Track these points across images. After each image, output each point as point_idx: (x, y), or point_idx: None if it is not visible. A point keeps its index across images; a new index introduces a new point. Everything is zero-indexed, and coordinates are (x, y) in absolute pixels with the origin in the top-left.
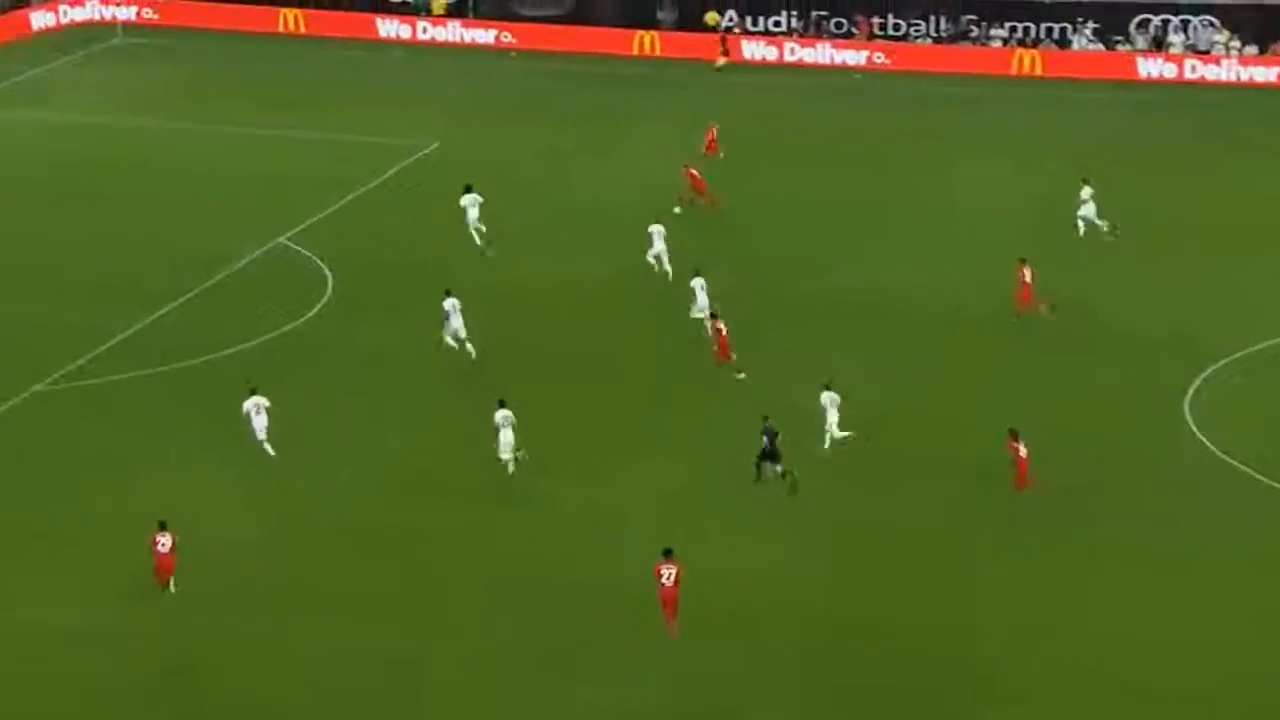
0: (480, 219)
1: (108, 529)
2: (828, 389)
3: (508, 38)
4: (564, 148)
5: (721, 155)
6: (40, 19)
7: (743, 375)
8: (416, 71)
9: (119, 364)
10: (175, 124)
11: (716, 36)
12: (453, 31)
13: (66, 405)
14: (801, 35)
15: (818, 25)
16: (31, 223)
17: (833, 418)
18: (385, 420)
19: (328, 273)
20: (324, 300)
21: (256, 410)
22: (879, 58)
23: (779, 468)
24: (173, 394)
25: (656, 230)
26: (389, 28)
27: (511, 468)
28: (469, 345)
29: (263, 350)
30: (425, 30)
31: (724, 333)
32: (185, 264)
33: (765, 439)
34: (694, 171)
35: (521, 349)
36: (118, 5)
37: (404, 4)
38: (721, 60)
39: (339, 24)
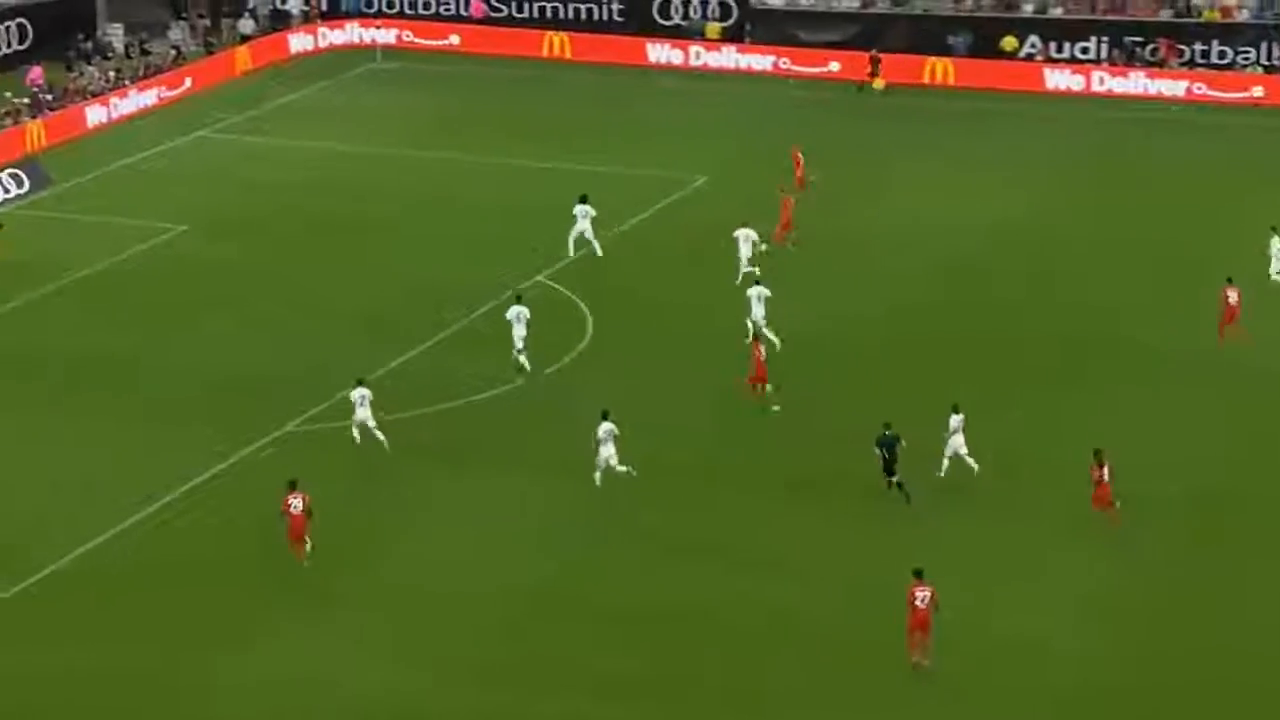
0: (593, 234)
1: (377, 582)
2: (956, 411)
3: (785, 64)
4: (838, 184)
5: (814, 180)
6: (299, 42)
7: (778, 408)
8: (687, 99)
9: (376, 403)
10: (433, 153)
11: (866, 56)
12: (727, 57)
13: (315, 447)
14: (1112, 64)
15: (1130, 53)
16: (287, 254)
17: (957, 441)
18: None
19: (586, 313)
20: (583, 343)
21: (361, 401)
22: (1199, 88)
23: (895, 478)
24: (426, 437)
25: (743, 234)
26: (659, 53)
27: (607, 476)
28: (380, 435)
29: (519, 393)
30: (698, 55)
31: (761, 357)
32: (442, 300)
33: (882, 450)
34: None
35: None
36: (377, 28)
37: (676, 28)
38: (880, 83)
39: (606, 48)
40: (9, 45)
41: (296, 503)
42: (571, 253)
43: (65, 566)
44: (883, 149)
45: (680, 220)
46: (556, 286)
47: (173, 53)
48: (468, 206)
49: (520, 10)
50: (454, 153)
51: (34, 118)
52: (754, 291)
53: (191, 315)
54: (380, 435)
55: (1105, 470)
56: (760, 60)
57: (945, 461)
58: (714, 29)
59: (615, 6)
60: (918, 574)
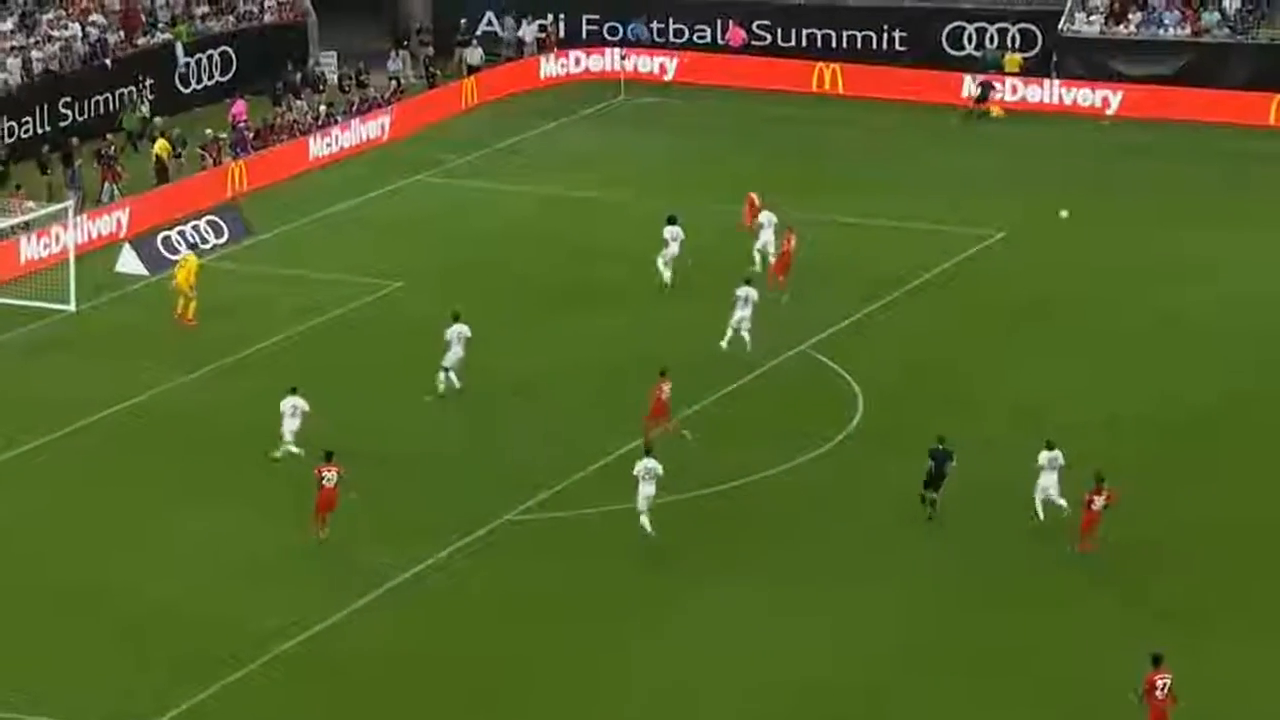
0: (681, 254)
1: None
2: (1050, 448)
3: (1107, 98)
4: (1164, 244)
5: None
6: (532, 74)
7: (688, 433)
8: (983, 140)
9: (599, 492)
10: (679, 201)
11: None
12: (1033, 92)
13: (537, 539)
14: None
15: None
16: (530, 316)
17: (1048, 481)
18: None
19: (857, 390)
20: (854, 423)
21: (293, 412)
22: None
23: (934, 495)
24: (673, 529)
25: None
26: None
27: (649, 527)
28: (294, 448)
29: (775, 484)
30: (996, 90)
31: (664, 395)
32: (685, 377)
33: (932, 463)
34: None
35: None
36: (623, 58)
37: (968, 59)
38: (995, 109)
39: (883, 83)
40: (211, 77)
41: (331, 475)
42: (666, 278)
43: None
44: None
45: (970, 279)
46: (823, 358)
47: (391, 84)
48: (705, 263)
49: (786, 39)
50: (705, 203)
51: (235, 157)
52: (743, 292)
53: (397, 379)
54: (295, 448)
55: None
56: (1076, 95)
57: (1038, 504)
58: (1014, 61)
59: (897, 34)
60: (1156, 660)
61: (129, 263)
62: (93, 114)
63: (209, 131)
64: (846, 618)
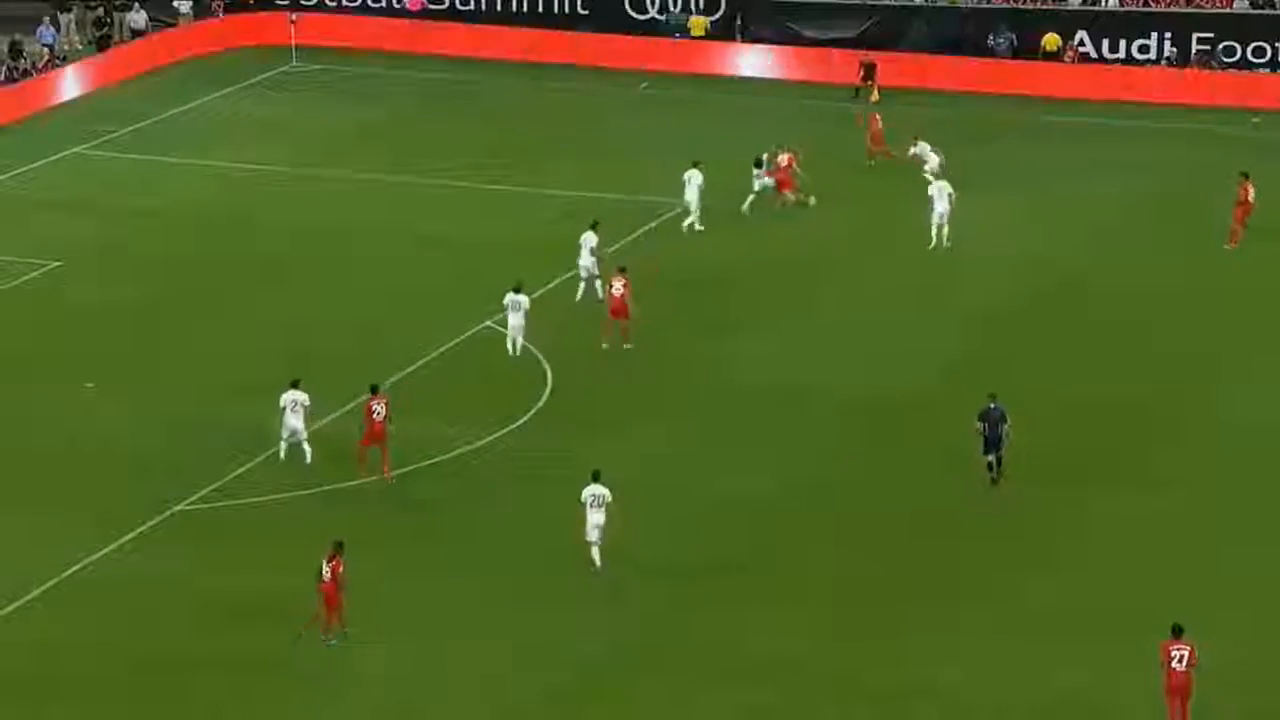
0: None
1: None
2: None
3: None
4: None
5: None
6: (197, 40)
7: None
8: (664, 108)
9: (281, 477)
10: (364, 175)
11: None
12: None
13: (209, 529)
14: None
15: None
16: (201, 296)
17: None
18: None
19: (545, 367)
20: (539, 403)
21: (294, 407)
22: None
23: (992, 458)
24: (342, 517)
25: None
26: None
27: (598, 559)
28: (307, 447)
29: (460, 464)
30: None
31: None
32: (370, 353)
33: (984, 424)
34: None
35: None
36: (293, 22)
37: (651, 22)
38: (875, 94)
39: (563, 47)
40: None
41: (380, 408)
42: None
43: None
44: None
45: (654, 249)
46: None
47: (45, 53)
48: (392, 237)
49: (465, 3)
50: (389, 174)
51: None
52: (512, 299)
53: (56, 370)
54: (307, 448)
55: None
56: (753, 60)
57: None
58: (700, 24)
59: None
60: (1176, 631)
61: None
62: None
63: None
64: (538, 615)
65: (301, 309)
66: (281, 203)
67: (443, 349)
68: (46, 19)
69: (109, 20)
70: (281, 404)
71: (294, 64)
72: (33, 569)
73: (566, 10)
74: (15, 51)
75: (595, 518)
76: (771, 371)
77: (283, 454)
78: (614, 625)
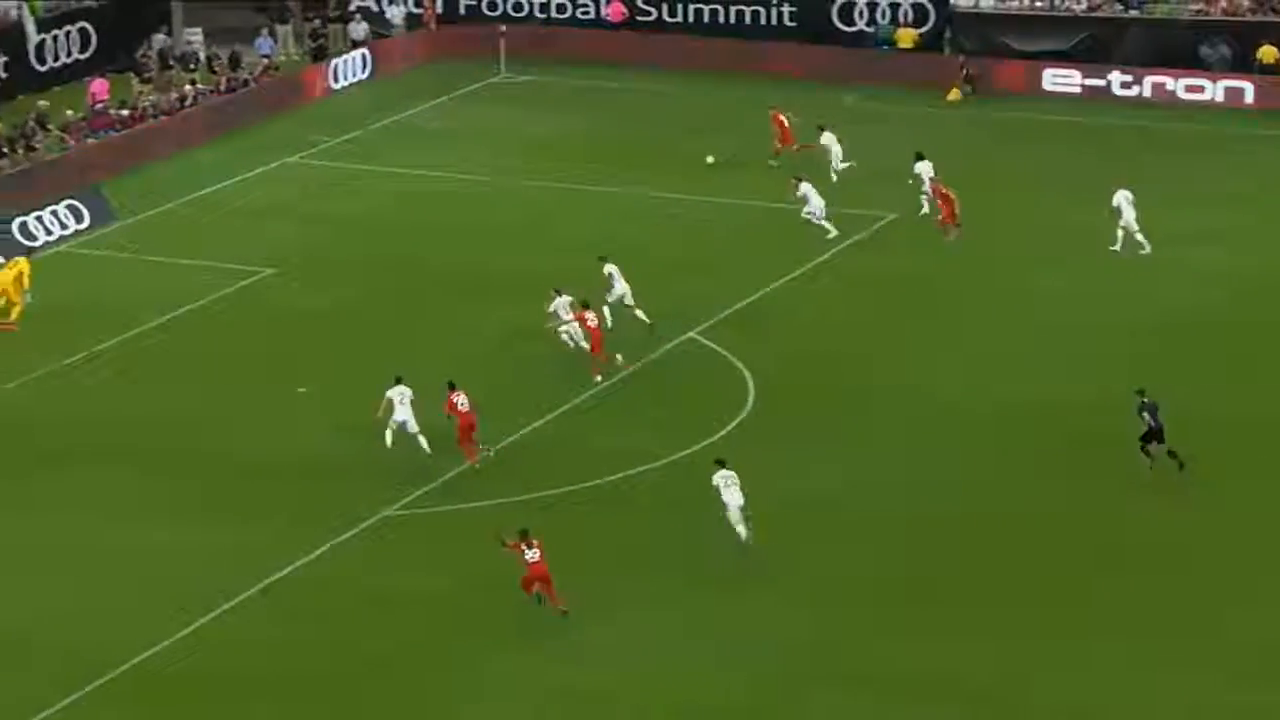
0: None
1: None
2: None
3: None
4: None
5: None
6: (407, 51)
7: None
8: (869, 121)
9: (486, 483)
10: (566, 185)
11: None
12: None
13: (416, 535)
14: None
15: None
16: (405, 303)
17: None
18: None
19: (747, 377)
20: (741, 416)
21: (401, 399)
22: None
23: (1165, 446)
24: (545, 523)
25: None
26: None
27: (744, 533)
28: (422, 439)
29: (662, 475)
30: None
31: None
32: (569, 363)
33: (1148, 416)
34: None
35: None
36: (503, 34)
37: (858, 34)
38: (956, 93)
39: (769, 59)
40: (69, 54)
41: (463, 399)
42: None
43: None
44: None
45: (856, 266)
46: (712, 345)
47: (263, 63)
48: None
49: (672, 14)
50: (590, 184)
51: (96, 139)
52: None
53: (267, 375)
54: (423, 441)
55: None
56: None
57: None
58: (908, 36)
59: (786, 10)
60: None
61: (12, 258)
62: None
63: (69, 112)
64: (738, 632)
65: (504, 316)
66: (484, 211)
67: (644, 360)
68: (264, 30)
69: (325, 32)
70: (388, 397)
71: (503, 75)
72: (239, 573)
73: (774, 22)
74: (234, 62)
75: (734, 498)
76: (973, 385)
77: (389, 442)
78: (806, 639)
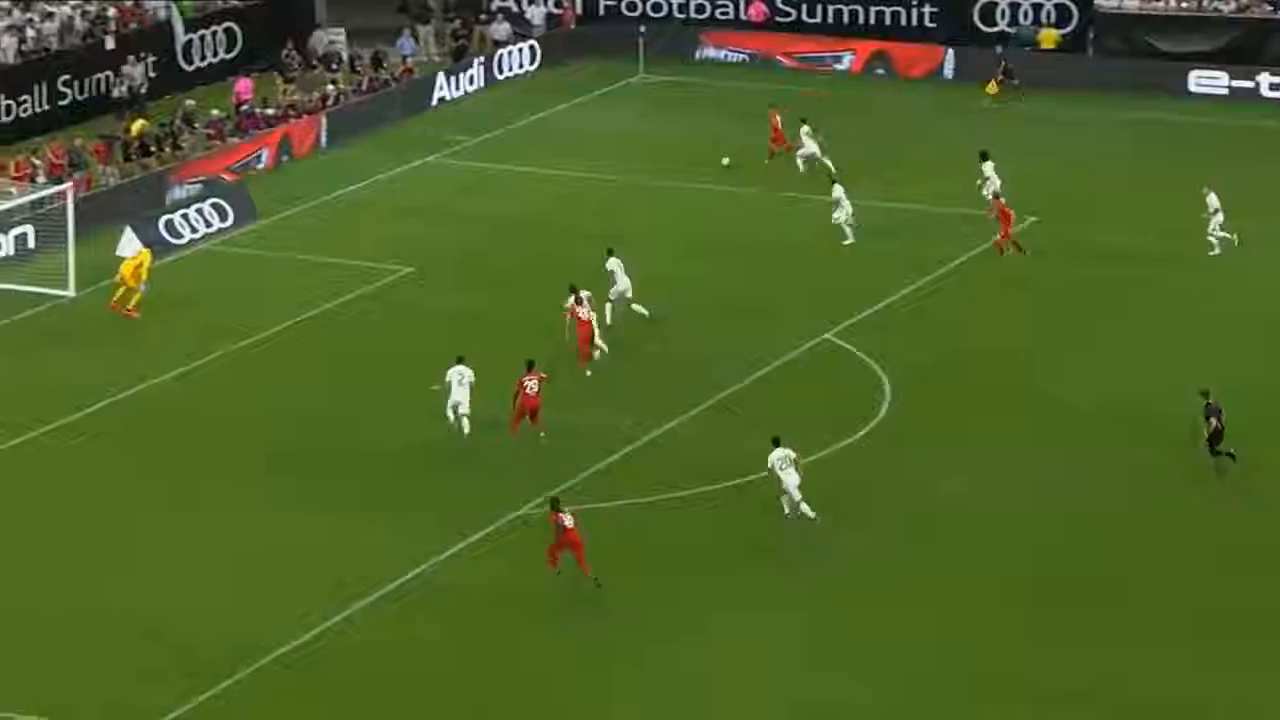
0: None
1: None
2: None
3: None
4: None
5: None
6: (547, 50)
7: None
8: (1008, 121)
9: (633, 481)
10: (706, 185)
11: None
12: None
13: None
14: None
15: None
16: (540, 303)
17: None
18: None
19: (884, 379)
20: (878, 417)
21: (460, 380)
22: None
23: (1222, 447)
24: (693, 522)
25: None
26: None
27: (811, 511)
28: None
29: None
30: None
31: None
32: (708, 364)
33: (1214, 420)
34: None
35: None
36: (641, 32)
37: (1000, 35)
38: (993, 88)
39: (909, 60)
40: (215, 54)
41: (533, 384)
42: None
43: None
44: None
45: (982, 269)
46: (848, 346)
47: (403, 62)
48: (728, 249)
49: (811, 14)
50: (731, 185)
51: (241, 138)
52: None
53: (409, 372)
54: (465, 423)
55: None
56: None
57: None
58: (1050, 37)
59: (927, 10)
60: None
61: (130, 246)
62: (92, 92)
63: (215, 111)
64: (864, 632)
65: (634, 316)
66: (616, 212)
67: (781, 361)
68: (406, 31)
69: (466, 32)
70: (448, 378)
71: (642, 75)
72: (383, 569)
73: (914, 23)
74: (376, 62)
75: (792, 479)
76: (1114, 387)
77: (452, 424)
78: (944, 645)
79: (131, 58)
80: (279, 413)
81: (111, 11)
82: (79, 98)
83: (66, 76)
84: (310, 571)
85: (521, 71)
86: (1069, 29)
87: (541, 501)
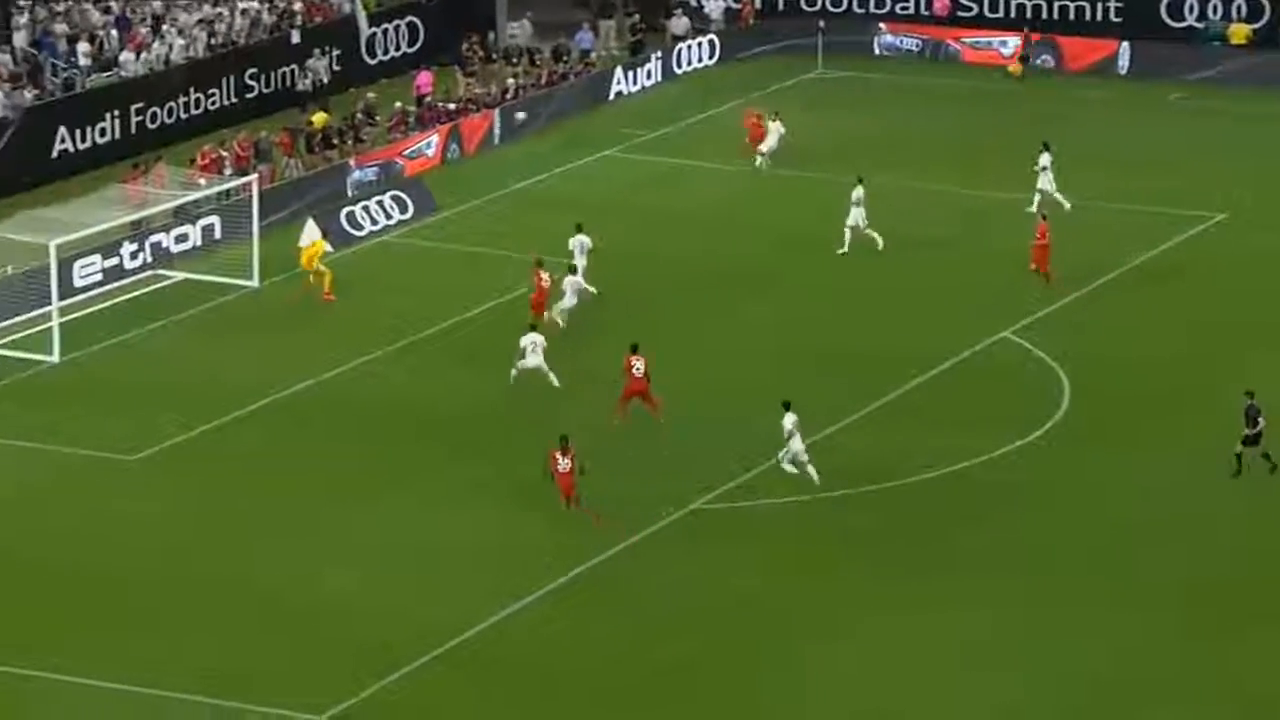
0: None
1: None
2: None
3: None
4: None
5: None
6: (727, 46)
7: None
8: (1203, 119)
9: (802, 481)
10: (880, 181)
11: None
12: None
13: (724, 529)
14: None
15: None
16: (704, 300)
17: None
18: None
19: (1063, 379)
20: (1056, 416)
21: (534, 348)
22: None
23: (1261, 449)
24: (855, 522)
25: None
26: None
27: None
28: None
29: (972, 476)
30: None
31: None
32: (879, 362)
33: (1261, 421)
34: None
35: None
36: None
37: (1188, 30)
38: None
39: (1094, 55)
40: (397, 48)
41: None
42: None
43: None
44: None
45: (1187, 262)
46: (1027, 344)
47: (582, 57)
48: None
49: (994, 9)
50: (900, 179)
51: (422, 130)
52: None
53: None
54: (554, 378)
55: None
56: None
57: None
58: (1241, 32)
59: (1112, 4)
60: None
61: (312, 236)
62: (277, 85)
63: (397, 104)
64: (1044, 634)
65: (815, 313)
66: (795, 208)
67: (958, 358)
68: (586, 25)
69: (645, 27)
70: (523, 344)
71: (820, 70)
72: (549, 563)
73: (1099, 18)
74: (557, 56)
75: (797, 443)
76: None
77: (512, 380)
78: (1122, 647)
79: (316, 51)
80: (457, 404)
81: (298, 6)
82: (265, 91)
83: (253, 70)
84: (484, 563)
85: (700, 66)
86: (1260, 24)
87: (712, 498)
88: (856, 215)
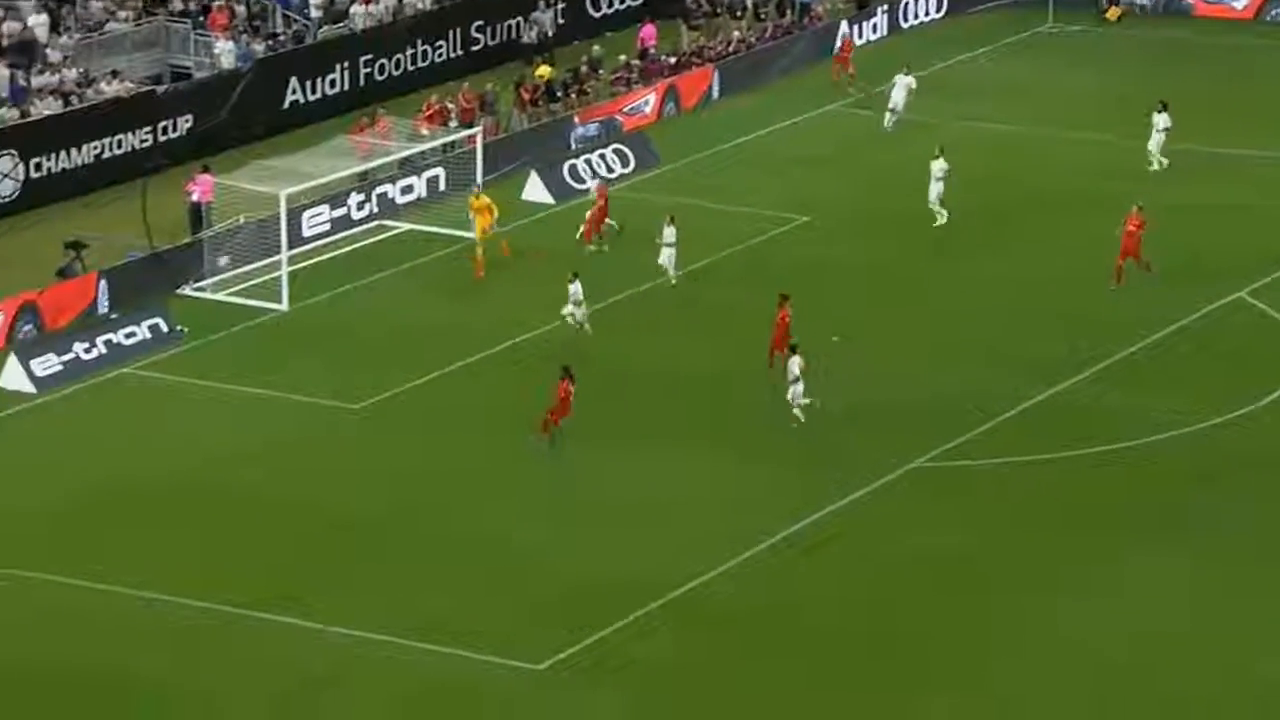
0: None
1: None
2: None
3: None
4: None
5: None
6: None
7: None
8: None
9: (1021, 440)
10: (1103, 138)
11: None
12: None
13: (946, 486)
14: None
15: None
16: (918, 258)
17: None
18: None
19: None
20: None
21: (574, 298)
22: None
23: None
24: (1079, 484)
25: None
26: None
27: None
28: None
29: (1188, 442)
30: None
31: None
32: (1105, 320)
33: None
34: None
35: None
36: None
37: None
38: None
39: None
40: (622, 1)
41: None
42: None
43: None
44: None
45: None
46: (1264, 306)
47: (808, 10)
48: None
49: None
50: (1110, 136)
51: (646, 84)
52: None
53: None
54: (588, 326)
55: None
56: None
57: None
58: None
59: None
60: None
61: (535, 190)
62: (503, 38)
63: (621, 57)
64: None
65: (1035, 270)
66: (1018, 163)
67: (1186, 320)
68: None
69: None
70: (571, 292)
71: (1051, 25)
72: (769, 519)
73: None
74: (780, 9)
75: (799, 386)
76: None
77: (576, 322)
78: None
79: (542, 3)
80: (675, 363)
81: None
82: (490, 44)
83: (479, 22)
84: (699, 518)
85: (927, 20)
86: None
87: (938, 454)
88: (935, 190)
